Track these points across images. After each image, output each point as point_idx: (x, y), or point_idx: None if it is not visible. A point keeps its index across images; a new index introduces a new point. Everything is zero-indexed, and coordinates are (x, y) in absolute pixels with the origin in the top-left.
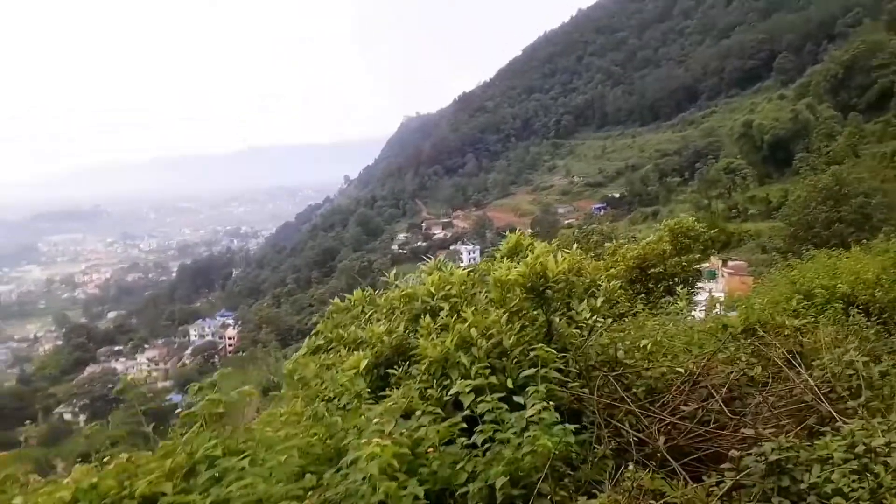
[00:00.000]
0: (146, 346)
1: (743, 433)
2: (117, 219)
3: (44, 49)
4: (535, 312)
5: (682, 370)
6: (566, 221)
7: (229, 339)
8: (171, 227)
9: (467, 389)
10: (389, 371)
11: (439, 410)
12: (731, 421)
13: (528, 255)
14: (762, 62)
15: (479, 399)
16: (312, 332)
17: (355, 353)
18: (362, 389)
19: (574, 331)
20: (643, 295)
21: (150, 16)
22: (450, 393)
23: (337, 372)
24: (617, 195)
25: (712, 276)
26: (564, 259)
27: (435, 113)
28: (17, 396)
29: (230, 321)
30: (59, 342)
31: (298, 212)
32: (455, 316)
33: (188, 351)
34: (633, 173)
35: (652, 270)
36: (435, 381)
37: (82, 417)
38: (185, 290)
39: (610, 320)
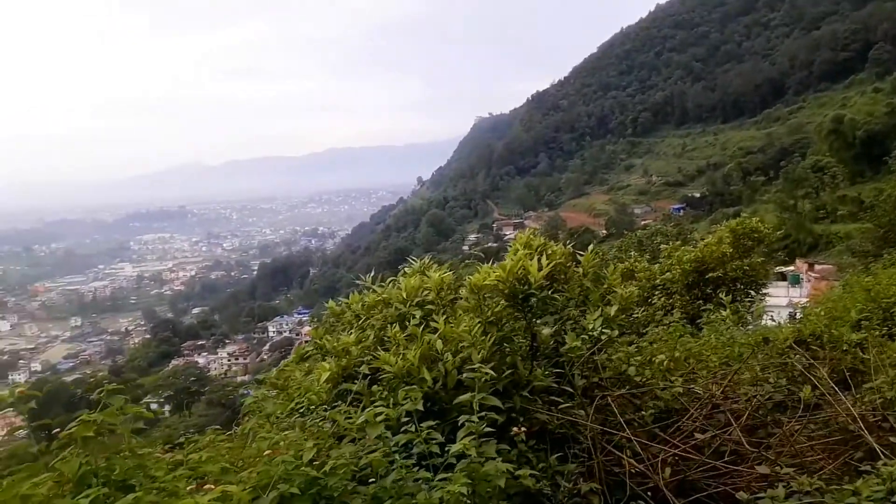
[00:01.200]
0: (227, 341)
1: (758, 471)
2: (201, 218)
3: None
4: (517, 323)
5: (700, 391)
6: (643, 222)
7: (305, 335)
8: (252, 226)
9: (377, 418)
10: (346, 386)
11: (388, 434)
12: (751, 454)
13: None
14: (855, 53)
15: (403, 428)
16: (304, 339)
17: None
18: (320, 405)
19: (578, 343)
20: (701, 301)
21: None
22: (358, 422)
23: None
24: (697, 195)
25: (796, 280)
26: (552, 261)
27: (508, 113)
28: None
29: (306, 318)
30: (148, 336)
31: (373, 213)
32: (425, 325)
33: (266, 346)
34: (714, 172)
35: (710, 275)
36: (392, 398)
37: (167, 408)
38: (264, 288)
39: (617, 332)
